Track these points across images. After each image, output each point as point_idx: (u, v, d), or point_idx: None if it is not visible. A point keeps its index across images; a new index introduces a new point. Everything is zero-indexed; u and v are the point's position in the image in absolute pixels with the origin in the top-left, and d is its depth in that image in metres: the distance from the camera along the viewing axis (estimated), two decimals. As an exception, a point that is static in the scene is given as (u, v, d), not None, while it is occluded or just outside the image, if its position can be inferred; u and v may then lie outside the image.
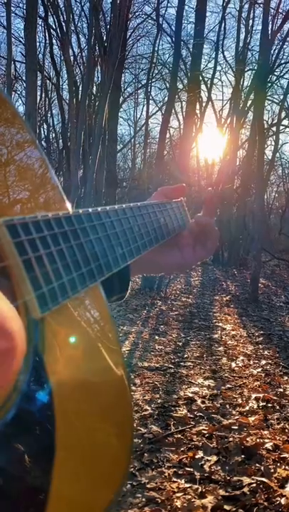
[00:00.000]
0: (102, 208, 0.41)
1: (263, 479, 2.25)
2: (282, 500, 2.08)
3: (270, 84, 12.59)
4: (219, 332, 5.47)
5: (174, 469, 2.36)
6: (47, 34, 15.38)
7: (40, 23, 13.89)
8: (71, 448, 0.29)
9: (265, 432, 2.79)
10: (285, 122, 17.10)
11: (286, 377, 3.85)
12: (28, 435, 0.25)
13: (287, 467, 2.38)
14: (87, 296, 0.36)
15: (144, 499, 2.09)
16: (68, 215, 0.34)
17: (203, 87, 15.18)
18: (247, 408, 3.17)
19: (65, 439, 0.28)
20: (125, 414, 0.36)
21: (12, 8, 12.40)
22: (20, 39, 15.20)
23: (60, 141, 17.37)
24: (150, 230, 0.53)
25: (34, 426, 0.26)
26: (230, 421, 2.93)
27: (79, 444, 0.30)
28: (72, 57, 14.55)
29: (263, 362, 4.31)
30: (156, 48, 16.57)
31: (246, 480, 2.25)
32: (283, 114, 16.52)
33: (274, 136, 16.84)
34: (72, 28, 14.74)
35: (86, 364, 0.33)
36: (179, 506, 2.04)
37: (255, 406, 3.21)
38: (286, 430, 2.83)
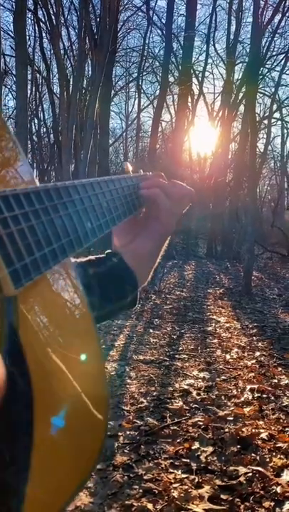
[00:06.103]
0: (69, 182, 0.41)
1: (259, 468, 2.27)
2: (278, 489, 2.10)
3: (261, 77, 12.59)
4: (213, 325, 5.49)
5: (171, 460, 2.37)
6: (36, 27, 15.26)
7: (29, 16, 13.77)
8: (48, 424, 0.30)
9: (261, 423, 2.81)
10: (276, 115, 17.18)
11: (280, 368, 3.88)
12: (4, 415, 0.26)
13: (282, 456, 2.40)
14: (60, 272, 0.38)
15: (141, 490, 2.10)
16: (37, 190, 0.34)
17: (194, 80, 15.17)
18: (242, 399, 3.19)
19: (42, 416, 0.29)
20: (101, 386, 0.39)
21: (0, 1, 12.24)
22: (10, 32, 14.99)
23: (52, 135, 17.25)
24: (118, 205, 0.54)
25: (10, 402, 0.26)
26: (225, 412, 2.95)
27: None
28: (62, 51, 14.42)
29: (257, 353, 4.34)
30: (146, 41, 16.53)
31: (242, 470, 2.27)
32: (275, 107, 16.58)
33: (266, 129, 16.89)
34: (62, 21, 14.61)
35: (60, 337, 0.34)
36: (176, 496, 2.05)
37: (250, 397, 3.24)
38: (281, 420, 2.86)
